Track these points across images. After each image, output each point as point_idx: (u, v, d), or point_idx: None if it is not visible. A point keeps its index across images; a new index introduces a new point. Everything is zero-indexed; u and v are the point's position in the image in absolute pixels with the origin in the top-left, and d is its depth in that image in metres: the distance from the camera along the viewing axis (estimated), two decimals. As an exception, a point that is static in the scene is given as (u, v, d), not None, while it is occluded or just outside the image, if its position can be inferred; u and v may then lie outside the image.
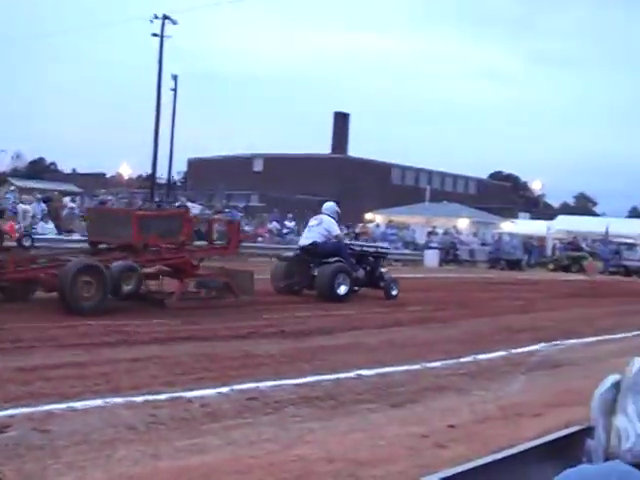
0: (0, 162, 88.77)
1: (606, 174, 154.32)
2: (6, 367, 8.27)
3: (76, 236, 27.80)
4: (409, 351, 11.54)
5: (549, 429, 5.26)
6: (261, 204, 58.51)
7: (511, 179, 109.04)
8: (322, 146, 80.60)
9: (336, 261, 17.50)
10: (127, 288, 13.21)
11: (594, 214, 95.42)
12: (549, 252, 53.04)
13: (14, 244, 24.25)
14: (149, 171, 58.29)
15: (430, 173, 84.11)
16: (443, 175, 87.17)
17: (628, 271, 45.78)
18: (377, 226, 48.88)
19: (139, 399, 7.33)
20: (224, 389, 7.98)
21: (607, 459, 2.17)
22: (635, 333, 15.48)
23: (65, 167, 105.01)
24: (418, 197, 66.21)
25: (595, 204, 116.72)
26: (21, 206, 30.70)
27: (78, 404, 6.95)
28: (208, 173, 76.84)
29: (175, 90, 55.26)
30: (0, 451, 5.56)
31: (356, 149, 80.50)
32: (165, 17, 53.14)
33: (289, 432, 6.65)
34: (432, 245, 43.09)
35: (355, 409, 7.70)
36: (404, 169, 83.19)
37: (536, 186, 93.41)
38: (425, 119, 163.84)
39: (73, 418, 6.58)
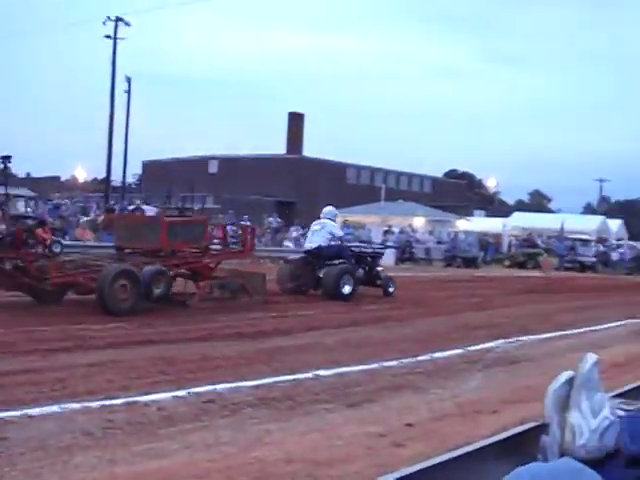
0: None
1: (560, 171, 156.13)
2: (-41, 375, 8.17)
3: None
4: (366, 351, 11.55)
5: (506, 426, 5.29)
6: (216, 206, 58.33)
7: (466, 177, 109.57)
8: (277, 147, 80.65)
9: (340, 263, 18.80)
10: (157, 291, 14.00)
11: (549, 211, 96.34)
12: (505, 249, 53.43)
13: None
14: (104, 174, 57.83)
15: (385, 172, 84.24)
16: (398, 174, 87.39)
17: (583, 267, 46.30)
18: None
19: (95, 404, 7.25)
20: (181, 392, 7.93)
21: (562, 455, 2.18)
22: (590, 328, 15.64)
23: (19, 171, 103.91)
24: (374, 196, 66.27)
25: (550, 201, 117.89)
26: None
27: (34, 411, 6.86)
28: (163, 175, 76.41)
29: (129, 92, 54.88)
30: (-46, 460, 5.49)
31: (311, 149, 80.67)
32: (118, 19, 52.86)
33: (247, 434, 6.62)
34: (388, 244, 43.16)
35: (313, 409, 7.69)
36: (359, 169, 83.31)
37: (491, 183, 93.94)
38: (380, 118, 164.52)
39: (29, 425, 6.50)
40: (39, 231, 15.05)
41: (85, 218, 36.96)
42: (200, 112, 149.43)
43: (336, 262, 18.81)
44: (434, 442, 6.49)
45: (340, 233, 20.32)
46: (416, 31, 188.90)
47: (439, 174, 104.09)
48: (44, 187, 66.86)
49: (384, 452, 6.28)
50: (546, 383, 2.35)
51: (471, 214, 68.64)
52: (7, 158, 14.86)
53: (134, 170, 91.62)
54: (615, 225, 65.29)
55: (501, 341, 12.92)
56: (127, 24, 53.02)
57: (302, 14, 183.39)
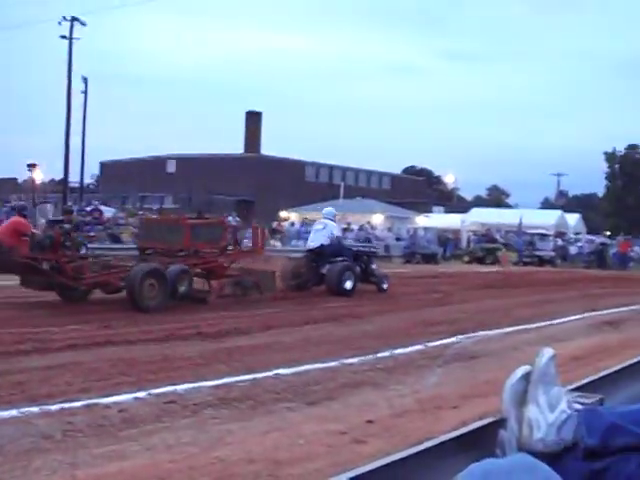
0: None
1: (518, 166, 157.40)
2: None
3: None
4: (325, 348, 11.57)
5: (466, 421, 5.33)
6: (175, 205, 58.15)
7: (424, 173, 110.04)
8: (235, 146, 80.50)
9: (341, 260, 19.89)
10: (182, 289, 14.91)
11: (507, 206, 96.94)
12: (464, 245, 53.69)
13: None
14: (61, 175, 57.32)
15: (344, 170, 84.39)
16: (357, 171, 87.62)
17: (542, 261, 46.53)
18: (292, 224, 48.89)
19: (55, 407, 7.21)
20: (141, 394, 7.90)
21: (520, 449, 2.19)
22: (549, 322, 15.74)
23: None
24: (332, 194, 66.34)
25: (508, 196, 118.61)
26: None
27: (-8, 415, 6.82)
28: (121, 175, 76.11)
29: (85, 92, 54.39)
30: None
31: (269, 148, 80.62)
32: (74, 19, 52.42)
33: (208, 434, 6.61)
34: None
35: (273, 409, 7.69)
36: (318, 166, 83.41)
37: (449, 180, 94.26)
38: (338, 116, 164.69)
39: (-13, 430, 6.45)
40: (74, 235, 16.20)
41: (43, 220, 36.59)
42: (159, 112, 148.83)
43: (338, 259, 19.87)
44: (395, 438, 6.52)
45: (338, 233, 21.55)
46: (374, 29, 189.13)
47: (398, 171, 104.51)
48: (2, 189, 66.17)
49: (345, 449, 6.29)
50: (505, 377, 2.37)
51: (430, 210, 68.88)
52: None
53: (92, 171, 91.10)
54: (573, 219, 65.71)
55: (460, 336, 12.98)
56: (83, 24, 52.61)
57: (264, 14, 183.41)
